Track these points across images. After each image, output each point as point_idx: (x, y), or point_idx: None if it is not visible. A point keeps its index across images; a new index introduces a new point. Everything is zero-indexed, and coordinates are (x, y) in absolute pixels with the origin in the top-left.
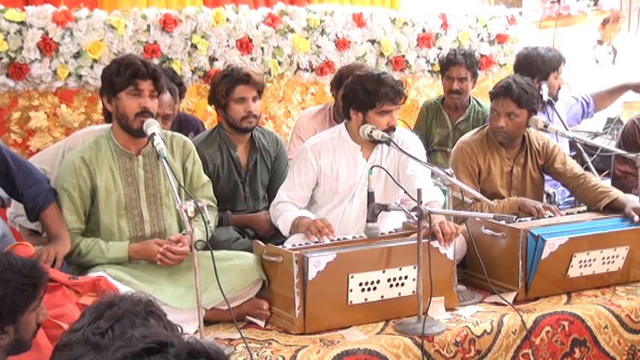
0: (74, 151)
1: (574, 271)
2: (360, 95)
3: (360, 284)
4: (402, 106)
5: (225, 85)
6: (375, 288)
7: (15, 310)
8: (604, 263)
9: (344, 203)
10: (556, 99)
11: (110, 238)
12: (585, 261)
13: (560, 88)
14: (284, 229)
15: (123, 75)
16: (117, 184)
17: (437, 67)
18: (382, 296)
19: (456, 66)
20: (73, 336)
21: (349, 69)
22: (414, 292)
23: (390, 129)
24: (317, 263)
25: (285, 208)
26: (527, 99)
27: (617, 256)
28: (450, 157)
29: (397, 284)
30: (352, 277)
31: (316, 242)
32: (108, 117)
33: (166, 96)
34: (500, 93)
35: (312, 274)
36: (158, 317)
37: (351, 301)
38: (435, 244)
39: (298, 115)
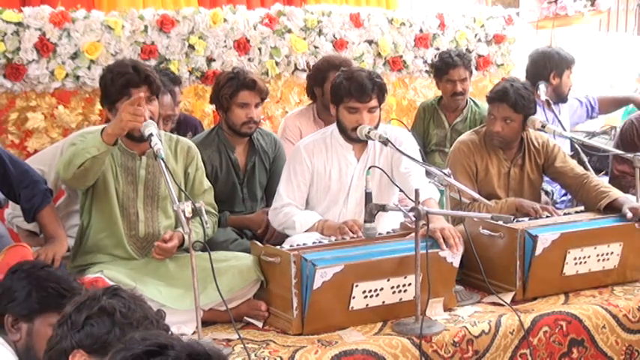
0: (81, 131)
1: (570, 269)
2: (333, 89)
3: (364, 292)
4: (400, 106)
5: (229, 89)
6: (377, 295)
7: (35, 308)
8: (599, 260)
9: (339, 205)
10: (566, 99)
11: (103, 231)
12: (580, 258)
13: (570, 88)
14: (301, 228)
15: (116, 85)
16: (117, 180)
17: None
18: (383, 302)
19: (456, 68)
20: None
21: (328, 62)
22: (415, 297)
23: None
24: (324, 274)
25: (295, 211)
26: (524, 104)
27: (612, 252)
28: (448, 156)
29: (400, 291)
30: (357, 285)
31: (314, 242)
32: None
33: (167, 97)
34: (497, 98)
35: (317, 283)
36: (122, 297)
37: (352, 307)
38: (442, 253)
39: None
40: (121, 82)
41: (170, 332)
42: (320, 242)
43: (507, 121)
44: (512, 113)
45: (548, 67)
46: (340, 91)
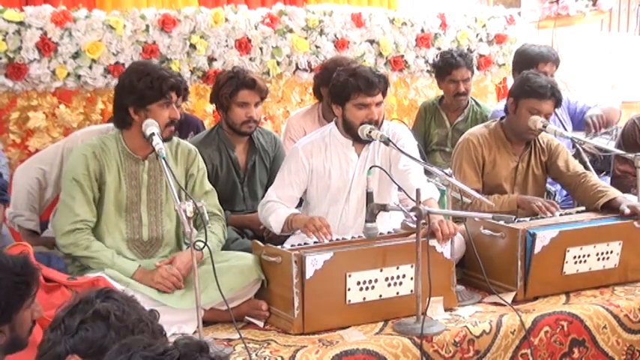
0: (84, 145)
1: (570, 268)
2: (337, 88)
3: (358, 283)
4: (402, 106)
5: (229, 88)
6: (373, 287)
7: (9, 309)
8: (599, 259)
9: (340, 203)
10: None
11: (105, 236)
12: (580, 256)
13: None
14: (276, 226)
15: (158, 89)
16: (121, 185)
17: None
18: (380, 295)
19: (459, 68)
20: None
21: (335, 63)
22: (412, 291)
23: (372, 123)
24: (314, 262)
25: (277, 207)
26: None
27: (612, 251)
28: (455, 148)
29: (395, 283)
30: (350, 275)
31: (315, 242)
32: (120, 122)
33: None
34: (550, 95)
35: (309, 272)
36: (115, 300)
37: (349, 301)
38: (432, 242)
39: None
40: (166, 86)
41: (164, 333)
42: (322, 241)
43: (548, 117)
44: (554, 109)
45: (515, 67)
46: (347, 88)
